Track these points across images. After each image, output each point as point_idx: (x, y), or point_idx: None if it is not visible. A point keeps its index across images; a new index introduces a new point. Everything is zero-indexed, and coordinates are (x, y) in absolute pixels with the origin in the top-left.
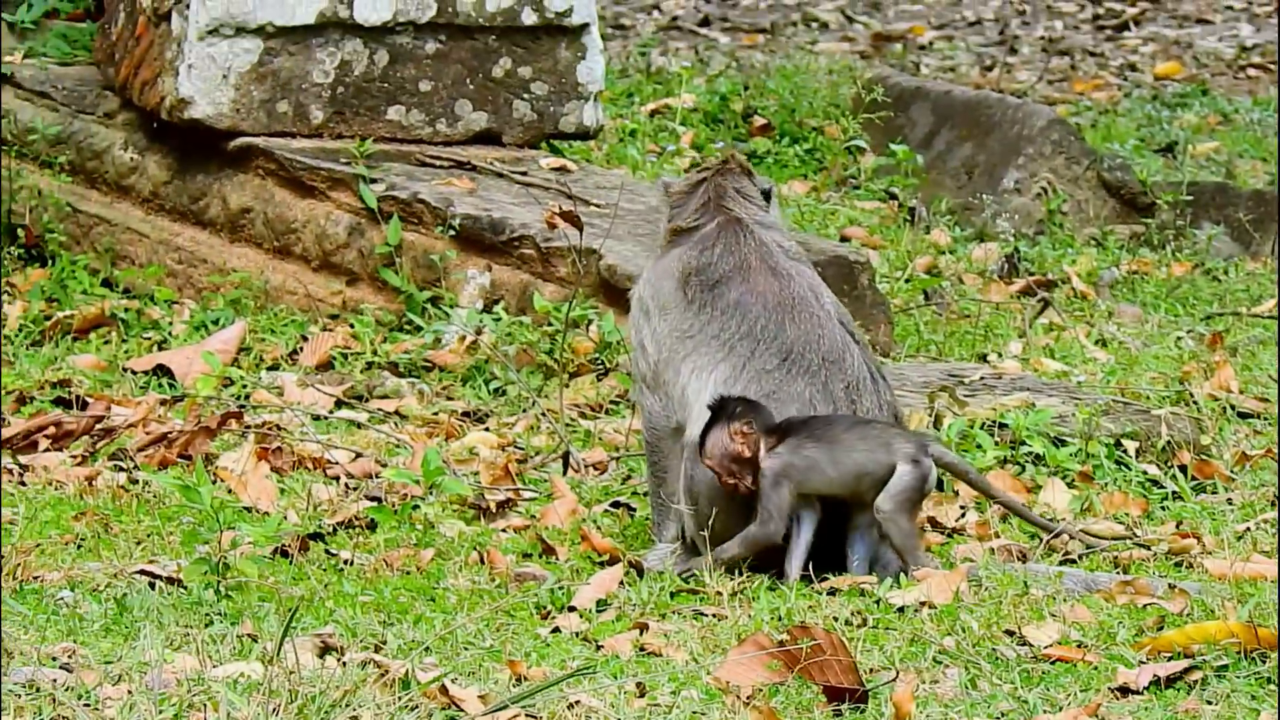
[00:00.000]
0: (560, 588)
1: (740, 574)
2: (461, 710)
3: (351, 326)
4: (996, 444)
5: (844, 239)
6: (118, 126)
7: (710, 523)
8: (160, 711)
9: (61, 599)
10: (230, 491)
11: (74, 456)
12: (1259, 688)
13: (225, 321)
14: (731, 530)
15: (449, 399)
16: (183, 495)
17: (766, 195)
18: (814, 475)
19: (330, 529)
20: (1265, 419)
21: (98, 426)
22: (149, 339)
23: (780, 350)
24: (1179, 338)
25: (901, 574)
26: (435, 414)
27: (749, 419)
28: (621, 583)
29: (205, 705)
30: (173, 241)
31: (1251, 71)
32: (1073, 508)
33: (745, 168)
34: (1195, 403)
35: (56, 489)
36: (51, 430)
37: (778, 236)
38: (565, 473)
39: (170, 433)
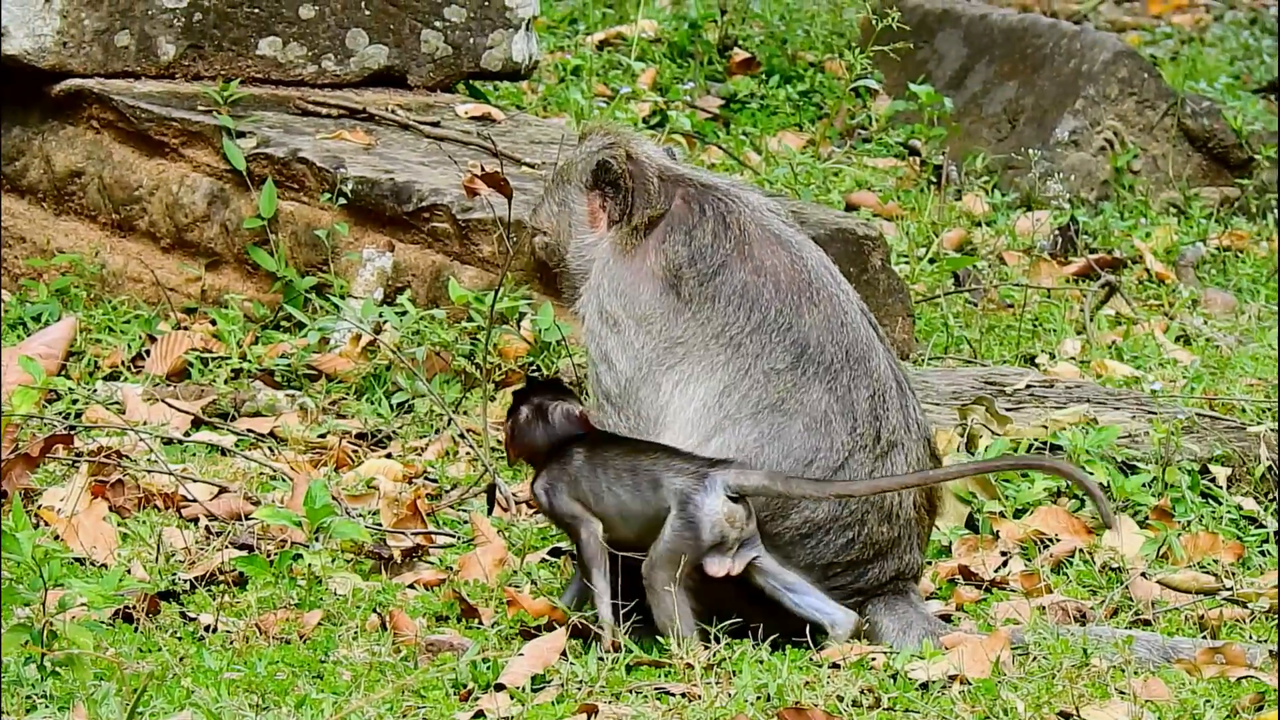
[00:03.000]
0: (485, 660)
1: (718, 641)
2: None
3: (213, 324)
4: None
5: (850, 207)
6: None
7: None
8: None
9: None
10: (57, 538)
11: None
12: None
13: (49, 317)
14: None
15: (339, 416)
16: None
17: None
18: (585, 496)
19: (187, 585)
20: None
21: None
22: None
23: (795, 343)
24: None
25: (927, 639)
26: (322, 436)
27: (513, 420)
28: (564, 653)
29: None
30: None
31: None
32: (1146, 553)
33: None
34: None
35: None
36: None
37: (762, 198)
38: (490, 512)
39: None
